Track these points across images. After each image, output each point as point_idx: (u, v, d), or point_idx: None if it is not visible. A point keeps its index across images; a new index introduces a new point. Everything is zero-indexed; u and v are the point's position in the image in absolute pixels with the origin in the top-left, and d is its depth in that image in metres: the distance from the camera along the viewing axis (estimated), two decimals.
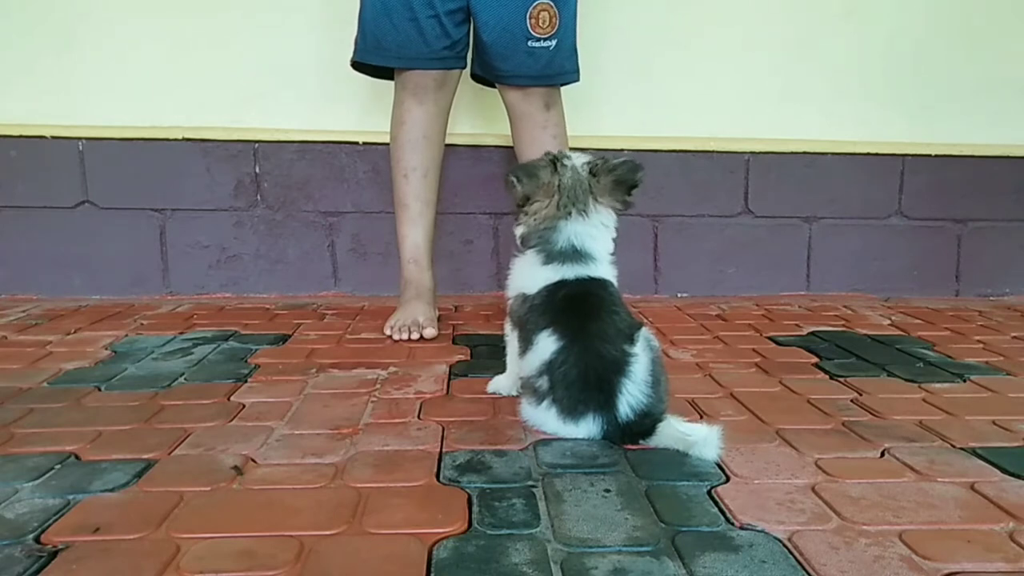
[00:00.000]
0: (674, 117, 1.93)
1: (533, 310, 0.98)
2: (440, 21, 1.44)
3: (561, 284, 0.98)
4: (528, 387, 0.98)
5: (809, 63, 1.95)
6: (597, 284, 1.00)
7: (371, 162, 1.87)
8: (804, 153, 1.97)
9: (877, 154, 1.98)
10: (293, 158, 1.87)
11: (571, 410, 0.94)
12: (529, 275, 1.01)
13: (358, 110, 1.85)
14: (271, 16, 1.82)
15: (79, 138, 1.81)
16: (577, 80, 1.57)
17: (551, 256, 1.00)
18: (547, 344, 0.95)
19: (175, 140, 1.84)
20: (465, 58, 1.53)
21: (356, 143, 1.87)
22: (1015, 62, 1.99)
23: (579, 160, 1.03)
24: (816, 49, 1.94)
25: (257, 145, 1.86)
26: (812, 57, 1.95)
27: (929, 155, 1.99)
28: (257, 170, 1.87)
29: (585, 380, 0.93)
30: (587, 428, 0.94)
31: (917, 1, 1.95)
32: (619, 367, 0.92)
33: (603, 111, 1.89)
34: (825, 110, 1.97)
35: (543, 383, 0.95)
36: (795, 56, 1.94)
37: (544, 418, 0.96)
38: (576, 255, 1.00)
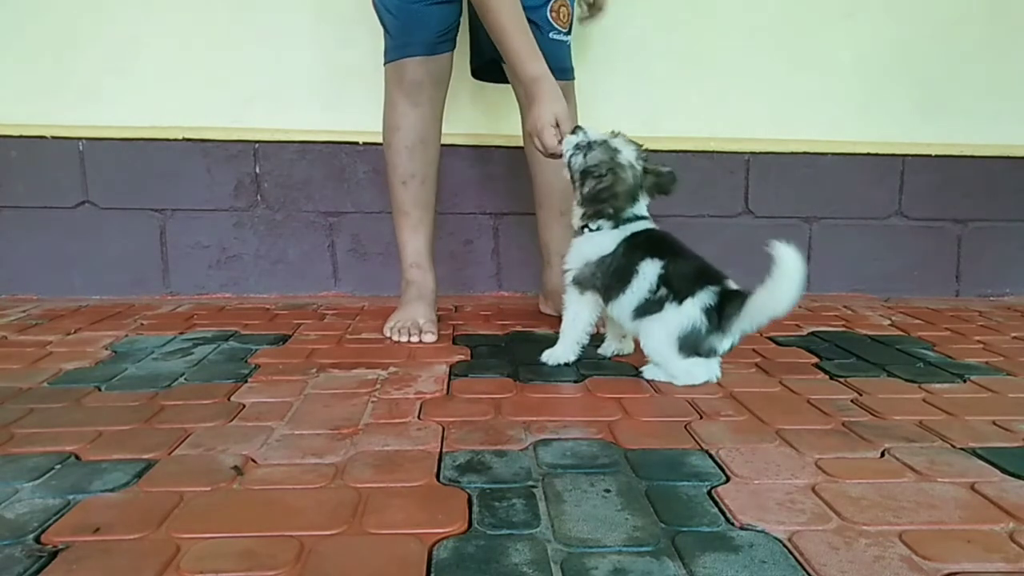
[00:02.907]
0: (674, 117, 1.94)
1: (621, 257, 1.22)
2: (422, 9, 1.42)
3: (635, 235, 1.24)
4: (653, 303, 1.19)
5: (809, 63, 1.95)
6: (660, 232, 1.27)
7: (371, 162, 1.88)
8: (804, 153, 1.97)
9: (877, 154, 1.98)
10: (293, 158, 1.87)
11: (688, 292, 1.16)
12: (601, 241, 1.25)
13: (358, 110, 1.85)
14: (271, 16, 1.82)
15: (79, 138, 1.82)
16: (573, 79, 1.57)
17: (619, 222, 1.25)
18: (653, 266, 1.19)
19: (175, 140, 1.84)
20: (455, 40, 1.50)
21: (356, 143, 1.87)
22: (1015, 62, 1.99)
23: (631, 155, 1.24)
24: (816, 49, 1.95)
25: (257, 145, 1.86)
26: (812, 57, 1.95)
27: (929, 155, 1.99)
28: (257, 170, 1.87)
29: (699, 270, 1.19)
30: (704, 299, 1.15)
31: (917, 2, 1.95)
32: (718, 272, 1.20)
33: (603, 111, 1.89)
34: (825, 110, 1.97)
35: (663, 291, 1.17)
36: (795, 56, 1.94)
37: (661, 338, 1.17)
38: (635, 218, 1.26)
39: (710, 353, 1.18)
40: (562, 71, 1.52)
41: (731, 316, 1.14)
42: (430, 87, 1.49)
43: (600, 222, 1.26)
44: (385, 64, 1.51)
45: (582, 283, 1.27)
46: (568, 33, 1.50)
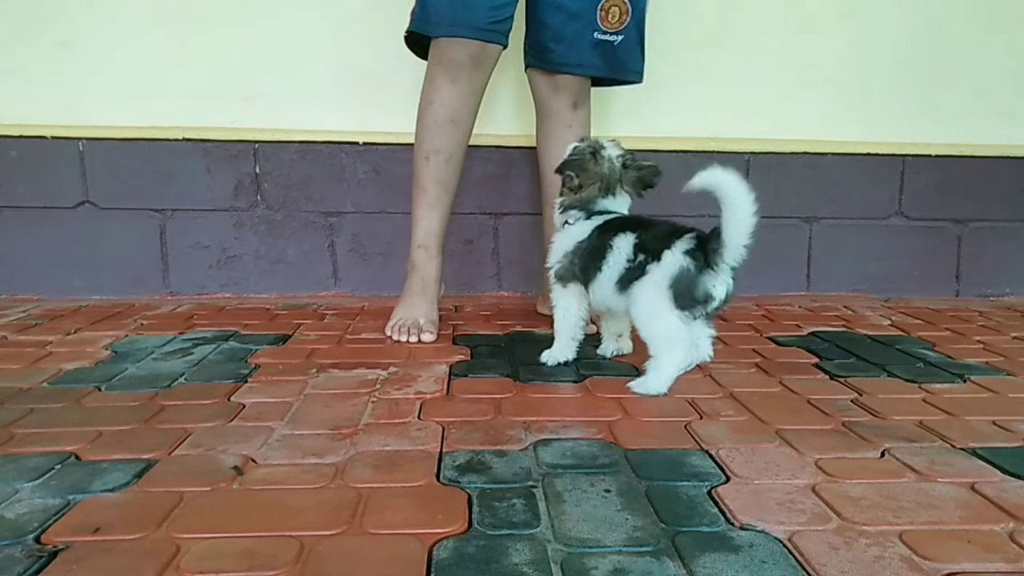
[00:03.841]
0: (674, 117, 1.94)
1: (596, 239, 1.23)
2: None
3: (608, 221, 1.25)
4: (634, 270, 1.18)
5: (809, 63, 1.95)
6: (634, 215, 1.29)
7: (371, 162, 1.87)
8: (804, 153, 1.97)
9: (877, 154, 1.98)
10: (293, 158, 1.87)
11: (665, 246, 1.14)
12: (578, 230, 1.27)
13: (358, 110, 1.85)
14: (271, 16, 1.82)
15: (79, 138, 1.82)
16: (639, 81, 1.57)
17: (592, 213, 1.28)
18: (626, 239, 1.19)
19: (175, 140, 1.84)
20: (507, 36, 1.45)
21: (356, 143, 1.87)
22: (1015, 62, 1.99)
23: (614, 152, 1.28)
24: (816, 49, 1.95)
25: (257, 145, 1.86)
26: (812, 57, 1.95)
27: (929, 155, 1.99)
28: (257, 170, 1.87)
29: (671, 228, 1.17)
30: (683, 245, 1.13)
31: (916, 1, 1.95)
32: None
33: (604, 111, 1.89)
34: (825, 110, 1.97)
35: (641, 257, 1.17)
36: (795, 56, 1.94)
37: (652, 294, 1.15)
38: (608, 213, 1.28)
39: (707, 299, 1.12)
40: (604, 70, 1.52)
41: (716, 248, 1.10)
42: (470, 68, 1.43)
43: (572, 212, 1.29)
44: (406, 33, 1.46)
45: (563, 275, 1.28)
46: (618, 32, 1.47)
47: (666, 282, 1.13)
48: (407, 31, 1.46)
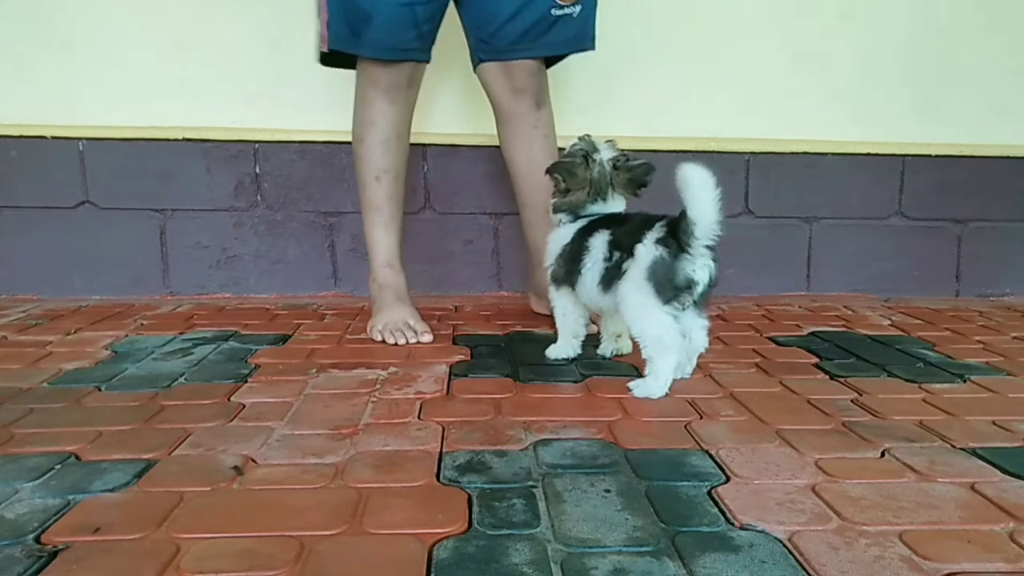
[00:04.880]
0: (674, 117, 1.94)
1: (576, 241, 1.24)
2: (413, 10, 1.37)
3: (590, 222, 1.25)
4: (613, 270, 1.19)
5: (809, 63, 1.95)
6: (615, 213, 1.27)
7: None
8: (804, 153, 1.97)
9: (877, 154, 1.98)
10: (293, 158, 1.87)
11: (636, 240, 1.14)
12: (564, 233, 1.28)
13: None
14: (271, 16, 1.82)
15: (79, 138, 1.82)
16: (593, 48, 1.50)
17: (579, 217, 1.28)
18: (601, 237, 1.20)
19: (175, 140, 1.84)
20: (430, 52, 1.46)
21: None
22: (1015, 62, 1.99)
23: (607, 155, 1.26)
24: (816, 49, 1.95)
25: (257, 145, 1.86)
26: (812, 57, 1.95)
27: (929, 155, 1.99)
28: (257, 170, 1.87)
29: (641, 221, 1.17)
30: (653, 235, 1.12)
31: (915, 1, 1.95)
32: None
33: (603, 111, 1.89)
34: (825, 110, 1.97)
35: (617, 255, 1.17)
36: (795, 56, 1.94)
37: (635, 292, 1.14)
38: (596, 214, 1.28)
39: (690, 285, 1.10)
40: (567, 44, 1.47)
41: (686, 228, 1.08)
42: (407, 87, 1.46)
43: (560, 215, 1.29)
44: (318, 55, 1.44)
45: (556, 278, 1.30)
46: (576, 3, 1.42)
47: (643, 275, 1.12)
48: (328, 49, 1.42)
